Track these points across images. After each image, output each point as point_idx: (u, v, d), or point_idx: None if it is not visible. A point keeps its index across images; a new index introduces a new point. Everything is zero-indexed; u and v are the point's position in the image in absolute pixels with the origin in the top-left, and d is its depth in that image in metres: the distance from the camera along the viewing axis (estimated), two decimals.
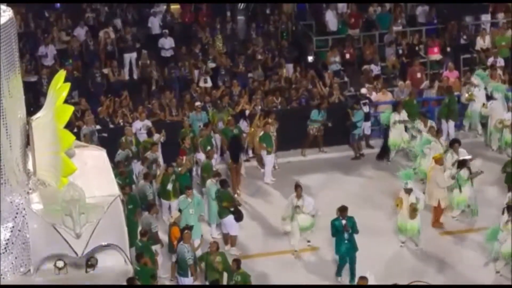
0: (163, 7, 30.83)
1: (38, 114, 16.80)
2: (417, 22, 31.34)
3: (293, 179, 24.00)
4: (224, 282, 18.78)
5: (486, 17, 31.51)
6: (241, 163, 24.22)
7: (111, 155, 19.49)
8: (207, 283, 18.98)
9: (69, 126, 17.96)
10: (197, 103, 25.42)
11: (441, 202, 21.60)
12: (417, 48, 29.66)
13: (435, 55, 29.65)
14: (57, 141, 16.17)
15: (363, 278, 17.71)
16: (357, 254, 19.69)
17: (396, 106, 25.34)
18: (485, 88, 26.27)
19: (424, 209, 21.18)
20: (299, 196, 20.56)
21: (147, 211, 20.30)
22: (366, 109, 25.92)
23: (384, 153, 25.40)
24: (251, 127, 25.00)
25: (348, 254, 19.63)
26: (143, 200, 21.23)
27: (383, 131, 25.86)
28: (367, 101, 26.17)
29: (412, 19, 31.51)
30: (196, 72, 28.13)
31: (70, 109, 16.44)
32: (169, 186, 21.75)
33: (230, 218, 20.96)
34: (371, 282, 17.64)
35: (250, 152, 25.42)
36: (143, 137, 24.05)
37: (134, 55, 29.04)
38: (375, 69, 28.62)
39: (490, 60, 28.63)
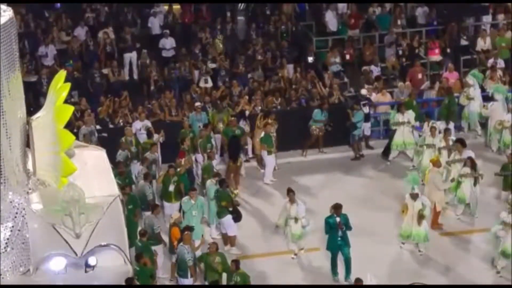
0: (163, 7, 30.81)
1: (38, 114, 16.81)
2: (417, 23, 31.31)
3: (293, 180, 24.12)
4: (223, 283, 18.78)
5: (486, 18, 31.50)
6: (241, 163, 24.23)
7: (111, 155, 19.49)
8: (206, 284, 18.99)
9: (69, 126, 17.95)
10: (197, 104, 25.42)
11: (437, 205, 21.59)
12: (417, 50, 29.62)
13: (435, 56, 29.63)
14: (57, 141, 16.18)
15: (358, 280, 17.73)
16: (357, 254, 19.70)
17: (399, 107, 25.37)
18: (481, 87, 26.32)
19: None
20: (292, 201, 20.43)
21: (151, 212, 20.29)
22: (366, 109, 25.94)
23: (387, 151, 25.43)
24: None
25: (340, 250, 19.67)
26: (143, 201, 21.23)
27: (389, 130, 25.89)
28: (367, 101, 26.18)
29: (412, 20, 31.48)
30: (196, 72, 28.11)
31: (70, 109, 16.46)
32: (171, 188, 21.70)
33: (228, 218, 20.97)
34: (371, 282, 17.65)
35: (250, 152, 25.42)
36: (142, 137, 24.05)
37: (134, 55, 29.01)
38: (375, 70, 28.60)
39: (490, 61, 28.61)
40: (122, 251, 16.44)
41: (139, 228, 19.70)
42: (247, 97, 26.24)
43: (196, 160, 23.73)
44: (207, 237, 21.16)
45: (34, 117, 16.70)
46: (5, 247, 15.87)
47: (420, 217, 20.34)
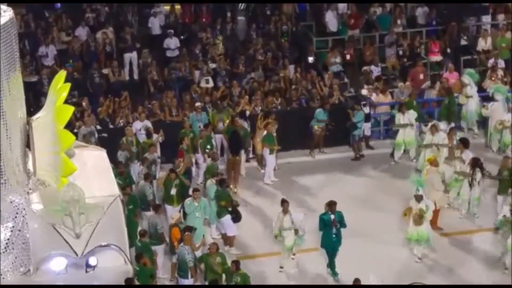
0: (164, 7, 30.79)
1: (38, 114, 16.81)
2: (417, 23, 31.31)
3: (293, 180, 24.14)
4: (223, 283, 18.77)
5: (486, 18, 31.50)
6: (242, 161, 24.22)
7: (111, 155, 19.48)
8: (206, 284, 18.99)
9: (69, 126, 17.95)
10: (197, 104, 25.41)
11: (436, 204, 21.58)
12: (418, 50, 29.63)
13: (436, 57, 29.63)
14: (57, 141, 16.19)
15: (357, 280, 17.75)
16: (357, 254, 19.73)
17: (400, 107, 25.38)
18: (478, 85, 26.39)
19: None
20: (285, 212, 20.09)
21: (154, 212, 20.27)
22: (366, 110, 25.95)
23: (393, 152, 25.49)
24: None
25: (333, 248, 19.70)
26: (143, 201, 21.22)
27: (389, 131, 25.83)
28: (367, 102, 26.19)
29: (412, 20, 31.48)
30: (196, 72, 28.10)
31: (70, 109, 16.47)
32: (173, 191, 21.61)
33: (228, 218, 20.97)
34: (372, 282, 17.66)
35: (251, 152, 25.43)
36: (142, 137, 24.04)
37: (134, 55, 28.99)
38: (375, 70, 28.60)
39: (491, 61, 28.62)
40: (123, 251, 16.45)
41: (139, 228, 19.69)
42: (247, 97, 26.24)
43: (196, 161, 23.72)
44: (207, 237, 21.16)
45: (34, 117, 16.70)
46: (5, 247, 15.87)
47: (419, 217, 20.34)
